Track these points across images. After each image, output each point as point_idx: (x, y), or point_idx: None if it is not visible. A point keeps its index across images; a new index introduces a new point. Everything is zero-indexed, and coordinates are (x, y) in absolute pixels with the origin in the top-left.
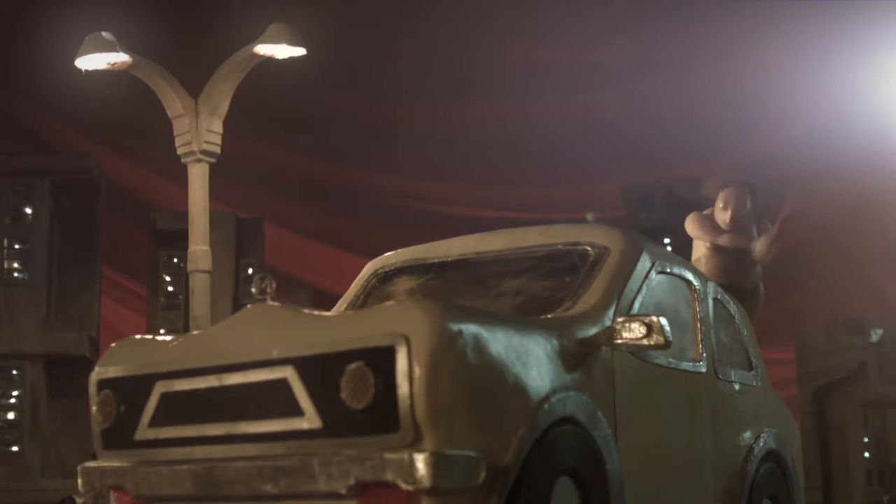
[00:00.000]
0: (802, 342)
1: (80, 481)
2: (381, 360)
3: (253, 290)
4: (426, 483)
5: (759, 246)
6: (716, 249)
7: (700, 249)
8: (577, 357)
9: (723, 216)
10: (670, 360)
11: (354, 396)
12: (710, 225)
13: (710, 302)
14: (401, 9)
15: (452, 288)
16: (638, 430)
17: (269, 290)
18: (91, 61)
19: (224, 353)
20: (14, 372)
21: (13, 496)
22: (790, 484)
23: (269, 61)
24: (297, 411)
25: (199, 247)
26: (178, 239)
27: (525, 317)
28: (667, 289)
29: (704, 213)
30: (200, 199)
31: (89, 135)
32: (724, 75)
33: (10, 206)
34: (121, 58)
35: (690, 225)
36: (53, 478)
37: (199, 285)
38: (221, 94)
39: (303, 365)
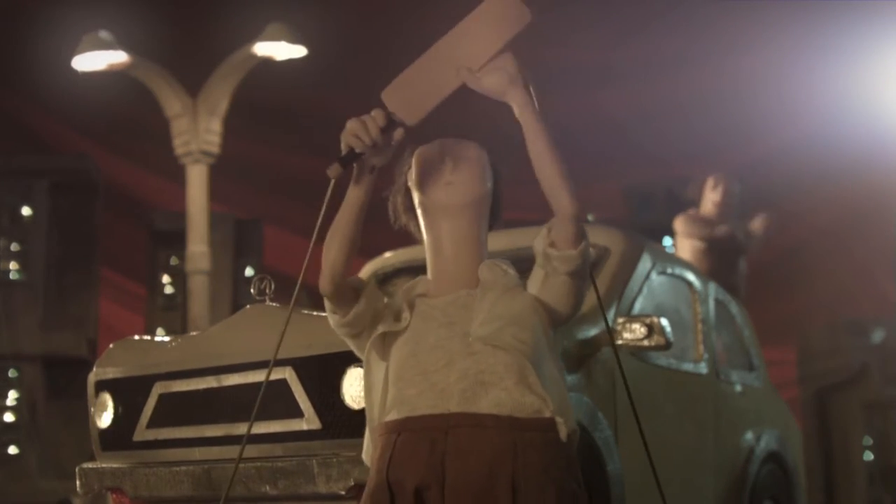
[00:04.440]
0: (804, 343)
1: (78, 483)
2: None
3: (252, 290)
4: None
5: (757, 223)
6: (702, 250)
7: (685, 250)
8: (578, 358)
9: (712, 195)
10: (671, 361)
11: (353, 398)
12: (703, 221)
13: (712, 303)
14: (402, 8)
15: None
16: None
17: (268, 290)
18: (89, 61)
19: (223, 353)
20: (11, 373)
21: (11, 498)
22: (792, 485)
23: (269, 60)
24: (296, 412)
25: (198, 247)
26: (177, 240)
27: None
28: (668, 289)
29: (691, 213)
30: (199, 200)
31: (87, 135)
32: (724, 75)
33: (7, 207)
34: (119, 57)
35: (682, 224)
36: (51, 479)
37: (198, 286)
38: (220, 93)
39: (302, 366)
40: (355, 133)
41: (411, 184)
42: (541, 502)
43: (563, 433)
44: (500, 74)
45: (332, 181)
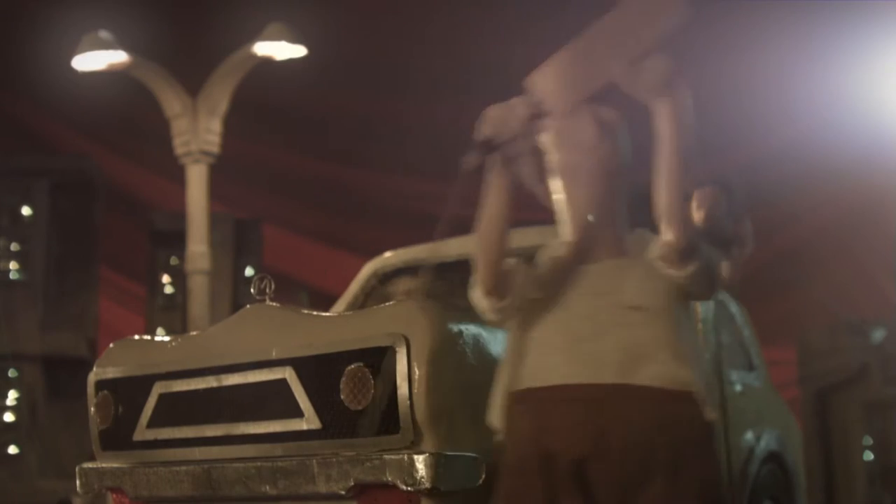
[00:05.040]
0: (804, 343)
1: (78, 483)
2: (380, 360)
3: (252, 290)
4: (426, 484)
5: (723, 271)
6: None
7: None
8: None
9: (697, 215)
10: None
11: (354, 397)
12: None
13: (712, 302)
14: (403, 7)
15: (453, 288)
16: None
17: (267, 290)
18: (89, 61)
19: (223, 353)
20: (11, 373)
21: (11, 498)
22: (792, 485)
23: (269, 60)
24: (296, 412)
25: (198, 247)
26: (177, 239)
27: None
28: None
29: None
30: (199, 200)
31: (87, 135)
32: (724, 75)
33: (7, 207)
34: (119, 57)
35: None
36: (51, 479)
37: (198, 286)
38: (220, 93)
39: (302, 366)
40: (499, 121)
41: (548, 147)
42: (694, 474)
43: (708, 412)
44: (655, 77)
45: (466, 171)
